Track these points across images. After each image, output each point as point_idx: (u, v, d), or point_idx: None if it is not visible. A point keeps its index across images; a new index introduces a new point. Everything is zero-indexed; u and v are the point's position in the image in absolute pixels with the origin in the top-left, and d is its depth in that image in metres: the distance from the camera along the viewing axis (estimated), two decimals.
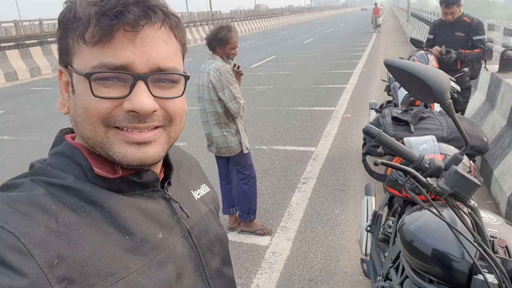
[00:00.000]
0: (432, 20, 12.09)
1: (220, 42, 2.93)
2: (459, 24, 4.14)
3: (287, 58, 14.76)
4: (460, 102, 3.63)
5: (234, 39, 2.97)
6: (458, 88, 3.53)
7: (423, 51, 3.76)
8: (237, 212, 3.42)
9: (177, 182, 0.71)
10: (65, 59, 0.59)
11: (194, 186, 0.76)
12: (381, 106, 4.77)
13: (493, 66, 5.01)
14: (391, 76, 4.53)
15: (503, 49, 4.73)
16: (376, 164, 1.07)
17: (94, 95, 0.55)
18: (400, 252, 1.73)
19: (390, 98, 4.80)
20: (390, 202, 2.63)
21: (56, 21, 0.61)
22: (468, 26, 4.10)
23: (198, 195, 0.75)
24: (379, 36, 21.90)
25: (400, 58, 3.82)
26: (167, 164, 0.70)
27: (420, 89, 1.07)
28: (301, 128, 6.14)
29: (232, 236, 3.33)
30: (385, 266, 1.94)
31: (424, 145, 1.87)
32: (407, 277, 1.51)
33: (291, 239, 3.24)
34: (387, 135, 1.15)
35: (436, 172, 1.15)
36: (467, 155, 1.97)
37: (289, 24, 44.35)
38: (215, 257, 0.72)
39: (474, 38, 4.09)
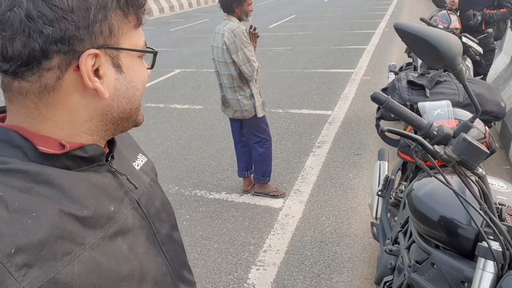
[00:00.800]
0: None
1: (239, 1, 2.86)
2: None
3: (306, 18, 14.32)
4: (483, 65, 3.51)
5: None
6: (480, 50, 3.39)
7: (445, 11, 3.59)
8: (252, 175, 3.46)
9: (118, 155, 0.72)
10: (102, 41, 0.57)
11: (132, 158, 0.76)
12: (401, 69, 4.65)
13: None
14: None
15: None
16: (382, 131, 1.06)
17: (150, 68, 0.66)
18: (408, 217, 1.75)
19: (410, 60, 4.66)
20: (403, 167, 2.62)
21: None
22: None
23: (138, 166, 0.76)
24: None
25: (421, 19, 3.68)
26: None
27: (429, 54, 1.04)
28: (318, 91, 6.06)
29: (246, 198, 3.40)
30: (394, 230, 1.96)
31: (438, 110, 1.83)
32: (414, 241, 1.53)
33: (303, 202, 3.29)
34: (395, 102, 1.13)
35: (444, 140, 1.13)
36: (483, 120, 1.93)
37: None
38: (164, 224, 0.74)
39: None
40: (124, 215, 0.64)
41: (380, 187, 2.27)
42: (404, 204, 2.03)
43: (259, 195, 3.42)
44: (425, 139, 1.13)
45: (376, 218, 2.29)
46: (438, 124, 1.83)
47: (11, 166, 0.54)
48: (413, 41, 1.06)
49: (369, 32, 10.44)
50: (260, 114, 3.14)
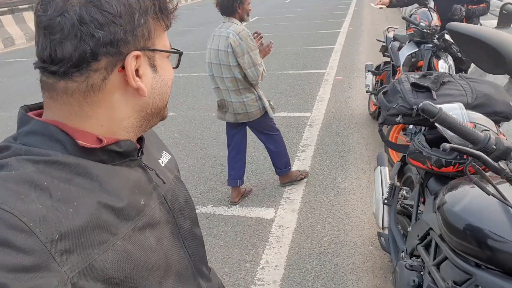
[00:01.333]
0: None
1: (240, 0, 2.77)
2: None
3: (270, 19, 14.27)
4: (464, 60, 3.50)
5: None
6: None
7: (425, 9, 3.57)
8: (242, 185, 3.34)
9: (146, 151, 0.74)
10: (143, 43, 0.61)
11: (157, 155, 0.79)
12: (378, 68, 4.62)
13: (489, 22, 4.87)
14: (389, 36, 4.35)
15: (501, 3, 4.56)
16: (444, 149, 0.92)
17: (175, 68, 0.70)
18: (429, 229, 1.64)
19: (386, 59, 4.64)
20: (400, 171, 2.54)
21: None
22: None
23: (162, 163, 0.78)
24: None
25: (403, 17, 3.63)
26: None
27: (487, 59, 0.93)
28: (294, 92, 5.96)
29: (235, 210, 3.23)
30: (409, 242, 1.85)
31: (451, 114, 1.74)
32: (445, 258, 1.41)
33: (296, 211, 3.15)
34: (448, 114, 1.00)
35: (504, 154, 1.01)
36: (492, 121, 1.86)
37: None
38: (187, 220, 0.77)
39: None
40: (152, 208, 0.67)
41: (386, 195, 2.16)
42: (417, 214, 1.93)
43: (286, 184, 3.42)
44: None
45: (382, 228, 2.18)
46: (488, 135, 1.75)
47: (53, 158, 0.57)
48: (468, 44, 0.94)
49: (334, 32, 10.50)
50: (272, 114, 3.09)
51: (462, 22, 3.91)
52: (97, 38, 0.56)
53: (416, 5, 4.26)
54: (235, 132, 3.21)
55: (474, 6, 3.86)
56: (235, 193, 3.31)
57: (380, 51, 4.77)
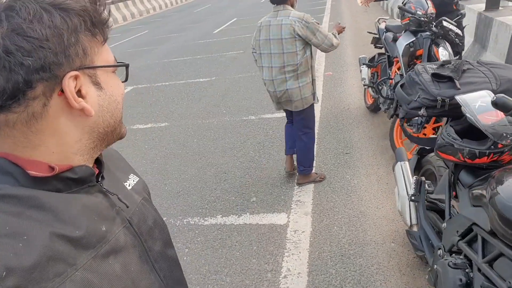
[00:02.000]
0: None
1: None
2: None
3: (248, 20, 14.17)
4: (460, 46, 3.47)
5: None
6: (460, 32, 3.36)
7: None
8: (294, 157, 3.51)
9: (108, 175, 0.72)
10: (79, 62, 0.59)
11: (123, 178, 0.77)
12: (371, 60, 4.57)
13: (477, 5, 4.87)
14: (380, 27, 4.30)
15: None
16: None
17: (124, 81, 0.67)
18: (472, 224, 1.57)
19: (377, 51, 4.60)
20: (417, 165, 2.47)
21: None
22: None
23: (129, 186, 0.77)
24: None
25: (399, 7, 3.58)
26: (97, 158, 0.70)
27: None
28: None
29: (246, 219, 3.11)
30: (446, 238, 1.78)
31: (479, 103, 1.68)
32: (500, 255, 1.34)
33: (309, 214, 3.06)
34: None
35: None
36: None
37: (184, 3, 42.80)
38: (157, 242, 0.74)
39: None
40: (116, 234, 0.65)
41: (412, 191, 2.08)
42: (450, 209, 1.86)
43: (302, 185, 3.40)
44: None
45: (411, 226, 2.11)
46: (483, 117, 1.69)
47: (3, 192, 0.55)
48: None
49: None
50: (316, 101, 3.25)
51: (452, 6, 3.90)
52: (27, 66, 0.54)
53: None
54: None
55: None
56: (290, 161, 3.50)
57: (371, 43, 4.72)
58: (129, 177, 0.79)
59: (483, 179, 1.66)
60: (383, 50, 4.40)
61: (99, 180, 0.68)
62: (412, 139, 2.19)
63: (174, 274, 0.78)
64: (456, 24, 3.35)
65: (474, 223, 1.53)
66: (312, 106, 3.21)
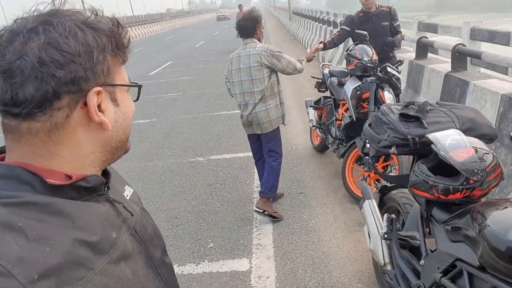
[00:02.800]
0: (320, 16, 12.75)
1: (260, 23, 3.31)
2: (382, 14, 4.29)
3: (184, 63, 14.27)
4: (399, 89, 3.73)
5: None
6: (400, 77, 3.62)
7: (363, 44, 3.77)
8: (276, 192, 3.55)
9: (112, 185, 0.74)
10: (103, 79, 0.63)
11: (121, 189, 0.79)
12: (317, 102, 4.74)
13: (407, 54, 5.34)
14: (325, 72, 4.52)
15: (417, 37, 5.05)
16: None
17: (135, 101, 0.73)
18: (456, 260, 1.59)
19: (323, 94, 4.79)
20: (380, 202, 2.52)
21: None
22: (389, 15, 4.30)
23: (127, 196, 0.78)
24: (266, 35, 22.57)
25: (347, 53, 3.79)
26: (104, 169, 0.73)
27: None
28: (231, 133, 5.85)
29: (205, 267, 2.92)
30: (426, 276, 1.79)
31: (449, 140, 1.76)
32: None
33: (271, 257, 2.96)
34: None
35: None
36: None
37: (173, 29, 43.43)
38: (157, 249, 0.77)
39: (395, 24, 4.31)
40: (124, 241, 0.67)
41: (385, 229, 2.10)
42: (425, 246, 1.88)
43: (260, 212, 3.35)
44: None
45: (384, 264, 2.10)
46: (455, 154, 1.77)
47: (23, 199, 0.57)
48: None
49: None
50: (285, 122, 3.48)
51: (389, 53, 4.24)
52: (58, 78, 0.57)
53: (350, 42, 4.51)
54: (258, 142, 3.52)
55: (398, 36, 4.25)
56: (261, 202, 3.41)
57: (315, 87, 4.91)
58: (125, 188, 0.80)
59: (458, 214, 1.72)
60: (326, 94, 4.60)
61: (106, 189, 0.70)
62: (384, 177, 2.24)
63: (173, 280, 0.82)
64: (397, 70, 3.61)
65: (458, 259, 1.56)
66: (278, 130, 3.43)
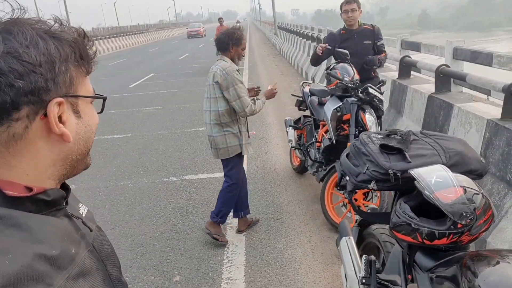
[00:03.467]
0: (306, 32, 12.71)
1: (236, 42, 3.07)
2: (364, 32, 4.12)
3: (167, 75, 14.02)
4: (381, 111, 3.56)
5: (245, 40, 3.17)
6: (382, 98, 3.45)
7: (344, 64, 3.61)
8: (246, 215, 3.43)
9: (69, 201, 0.71)
10: (65, 90, 0.62)
11: (76, 206, 0.76)
12: (297, 122, 4.55)
13: (391, 73, 5.21)
14: (305, 90, 4.34)
15: (400, 56, 4.93)
16: None
17: (100, 113, 0.72)
18: None
19: (304, 113, 4.61)
20: (359, 237, 2.31)
21: None
22: (371, 33, 4.12)
23: (83, 214, 0.75)
24: (251, 49, 22.57)
25: (327, 72, 3.61)
26: (63, 184, 0.70)
27: None
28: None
29: None
30: None
31: (434, 178, 1.56)
32: None
33: None
34: None
35: None
36: None
37: (159, 40, 43.24)
38: (114, 267, 0.75)
39: (378, 43, 4.12)
40: (83, 257, 0.65)
41: (363, 272, 1.87)
42: None
43: (208, 233, 3.25)
44: None
45: None
46: (442, 195, 1.57)
47: None
48: None
49: None
50: (244, 153, 3.19)
51: (371, 73, 4.07)
52: (17, 88, 0.56)
53: (332, 60, 4.35)
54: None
55: (382, 55, 4.07)
56: (241, 223, 3.40)
57: (295, 106, 4.72)
58: (79, 206, 0.78)
59: (445, 262, 1.51)
60: (307, 112, 4.42)
61: (65, 204, 0.68)
62: (362, 214, 2.03)
63: None
64: (379, 91, 3.44)
65: None
66: (237, 158, 3.18)
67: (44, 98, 0.59)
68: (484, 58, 4.90)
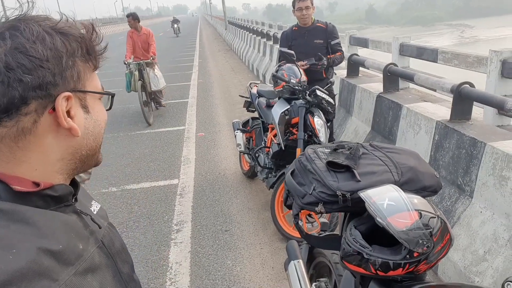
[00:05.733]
0: (257, 28, 12.51)
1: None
2: (316, 31, 3.94)
3: (111, 73, 13.29)
4: (331, 114, 3.42)
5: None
6: (332, 101, 3.30)
7: (290, 64, 3.42)
8: None
9: (79, 199, 0.72)
10: (73, 85, 0.63)
11: (88, 204, 0.76)
12: (245, 124, 4.33)
13: (340, 71, 5.11)
14: (252, 92, 4.12)
15: (348, 54, 4.84)
16: None
17: (108, 110, 0.73)
18: None
19: (252, 115, 4.41)
20: (309, 255, 2.14)
21: None
22: (324, 32, 3.94)
23: (94, 211, 0.76)
24: (202, 44, 22.11)
25: (273, 75, 3.41)
26: (72, 180, 0.70)
27: None
28: (154, 156, 5.26)
29: None
30: None
31: (387, 201, 1.39)
32: None
33: None
34: None
35: None
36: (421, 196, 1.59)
37: (105, 36, 41.40)
38: (125, 264, 0.75)
39: (332, 42, 3.93)
40: (91, 253, 0.65)
41: None
42: None
43: None
44: None
45: None
46: (395, 220, 1.40)
47: None
48: None
49: (185, 84, 10.24)
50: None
51: (322, 74, 3.91)
52: (25, 83, 0.57)
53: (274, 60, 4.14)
54: None
55: (331, 56, 3.87)
56: None
57: (244, 107, 4.50)
58: (92, 203, 0.78)
59: None
60: (255, 114, 4.22)
61: (73, 201, 0.68)
62: (309, 240, 1.84)
63: None
64: (327, 92, 3.29)
65: None
66: None
67: (52, 92, 0.60)
68: (430, 54, 4.92)
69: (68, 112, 0.62)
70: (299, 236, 3.03)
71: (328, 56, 3.83)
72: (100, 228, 0.71)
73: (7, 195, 0.59)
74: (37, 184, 0.61)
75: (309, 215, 3.07)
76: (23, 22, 0.59)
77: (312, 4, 3.89)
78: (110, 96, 0.72)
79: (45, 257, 0.55)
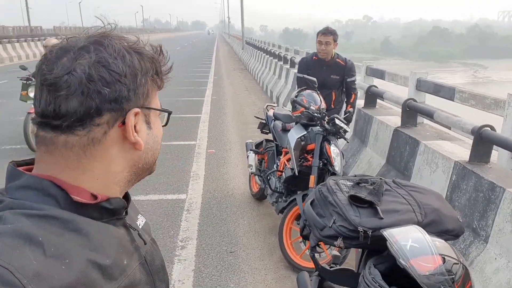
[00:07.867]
0: (275, 51, 12.64)
1: None
2: (334, 66, 3.96)
3: None
4: (346, 140, 3.41)
5: None
6: (348, 129, 3.30)
7: (310, 91, 3.43)
8: None
9: (128, 212, 0.73)
10: (142, 101, 0.66)
11: (135, 217, 0.76)
12: (258, 145, 4.33)
13: (357, 102, 5.11)
14: (269, 114, 4.13)
15: (367, 85, 4.85)
16: None
17: (164, 126, 0.75)
18: None
19: (266, 137, 4.40)
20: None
21: None
22: (343, 68, 3.96)
23: (140, 225, 0.75)
24: (218, 61, 22.38)
25: (292, 100, 3.42)
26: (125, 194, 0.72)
27: None
28: (164, 169, 5.25)
29: None
30: None
31: (410, 242, 1.36)
32: None
33: None
34: None
35: None
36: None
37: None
38: (162, 283, 0.76)
39: (348, 80, 3.95)
40: (134, 269, 0.66)
41: None
42: None
43: None
44: None
45: None
46: (418, 263, 1.37)
47: (47, 212, 0.58)
48: None
49: (198, 100, 10.32)
50: None
51: (330, 104, 3.90)
52: (103, 95, 0.60)
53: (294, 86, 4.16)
54: None
55: (349, 108, 3.86)
56: None
57: (258, 128, 4.51)
58: (138, 217, 0.77)
59: None
60: (269, 136, 4.21)
61: (124, 214, 0.70)
62: (325, 273, 1.80)
63: None
64: (346, 122, 3.29)
65: None
66: None
67: (125, 107, 0.63)
68: (447, 92, 4.90)
69: (134, 127, 0.65)
70: (305, 265, 3.01)
71: (349, 107, 3.85)
72: (145, 244, 0.72)
73: (66, 204, 0.61)
74: (95, 197, 0.63)
75: (318, 245, 3.02)
76: (106, 39, 0.63)
77: (335, 41, 3.92)
78: (167, 114, 0.74)
79: (93, 270, 0.57)
